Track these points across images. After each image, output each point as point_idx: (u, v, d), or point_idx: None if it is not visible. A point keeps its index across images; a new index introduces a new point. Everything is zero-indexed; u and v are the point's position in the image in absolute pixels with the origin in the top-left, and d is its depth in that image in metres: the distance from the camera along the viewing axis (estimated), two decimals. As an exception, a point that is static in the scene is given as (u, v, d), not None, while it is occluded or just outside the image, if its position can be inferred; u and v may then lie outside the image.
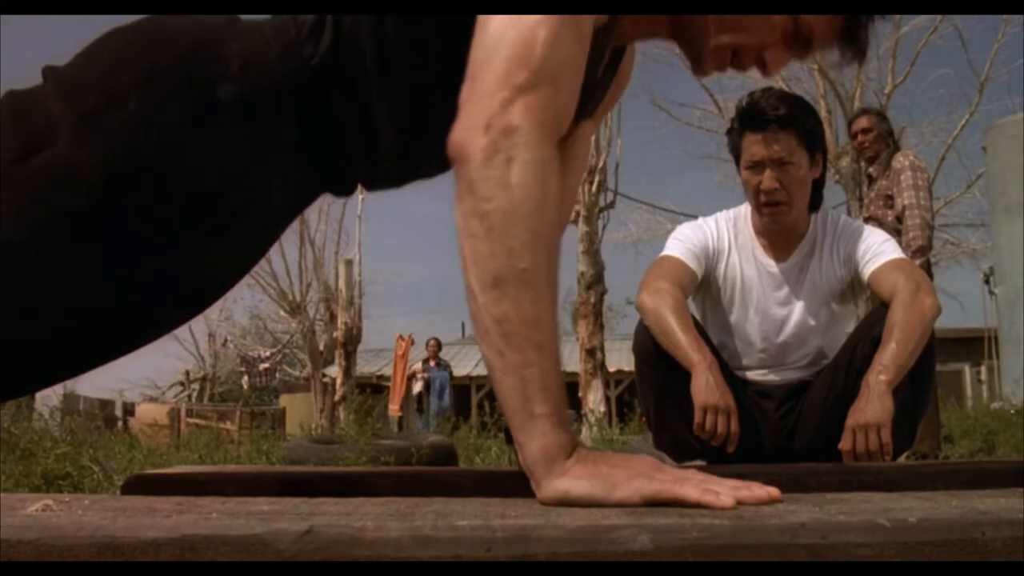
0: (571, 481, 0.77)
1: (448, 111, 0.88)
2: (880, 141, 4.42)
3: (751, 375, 2.17)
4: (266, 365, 21.39)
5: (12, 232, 0.91)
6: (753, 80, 12.84)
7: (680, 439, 1.99)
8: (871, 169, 4.47)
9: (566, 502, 0.76)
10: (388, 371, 16.36)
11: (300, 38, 0.99)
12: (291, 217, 1.13)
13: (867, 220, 4.15)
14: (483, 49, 0.89)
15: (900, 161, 4.25)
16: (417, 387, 12.89)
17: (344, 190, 1.11)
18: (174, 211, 0.96)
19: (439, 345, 13.29)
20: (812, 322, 2.12)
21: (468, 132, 0.85)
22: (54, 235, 0.92)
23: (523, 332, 0.81)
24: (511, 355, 0.81)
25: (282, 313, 17.23)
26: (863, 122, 4.52)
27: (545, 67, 0.87)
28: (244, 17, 1.05)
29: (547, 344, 0.82)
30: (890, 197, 4.28)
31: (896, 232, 4.07)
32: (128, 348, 1.04)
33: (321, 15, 0.99)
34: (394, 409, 13.43)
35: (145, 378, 23.14)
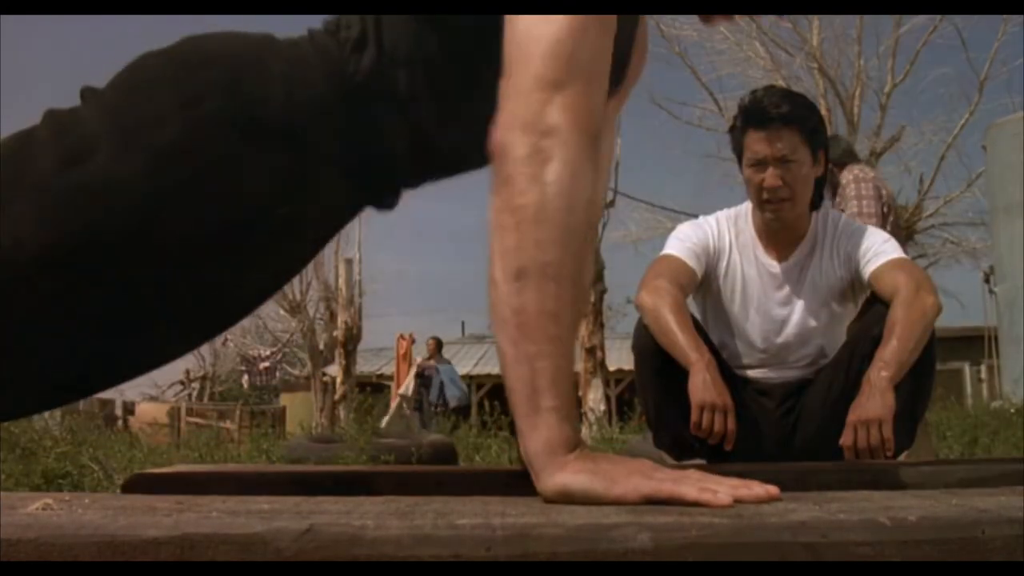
0: (570, 475, 0.77)
1: (489, 106, 0.88)
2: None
3: (751, 374, 2.17)
4: (266, 364, 21.41)
5: (45, 243, 0.90)
6: (754, 79, 12.84)
7: (680, 438, 1.99)
8: None
9: (564, 495, 0.76)
10: (388, 370, 16.33)
11: (343, 55, 1.00)
12: (331, 234, 1.12)
13: None
14: (516, 46, 0.89)
15: (845, 177, 4.27)
16: (412, 384, 12.58)
17: (388, 203, 1.11)
18: (213, 231, 0.96)
19: (439, 344, 13.06)
20: (812, 322, 2.12)
21: (509, 131, 0.87)
22: (88, 249, 0.91)
23: (539, 324, 0.81)
24: (525, 346, 0.81)
25: (282, 312, 17.25)
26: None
27: (576, 63, 0.88)
28: (280, 35, 1.04)
29: (562, 339, 0.82)
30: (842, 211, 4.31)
31: None
32: (154, 364, 1.04)
33: (362, 33, 1.00)
34: (396, 395, 13.14)
35: (145, 377, 23.09)
